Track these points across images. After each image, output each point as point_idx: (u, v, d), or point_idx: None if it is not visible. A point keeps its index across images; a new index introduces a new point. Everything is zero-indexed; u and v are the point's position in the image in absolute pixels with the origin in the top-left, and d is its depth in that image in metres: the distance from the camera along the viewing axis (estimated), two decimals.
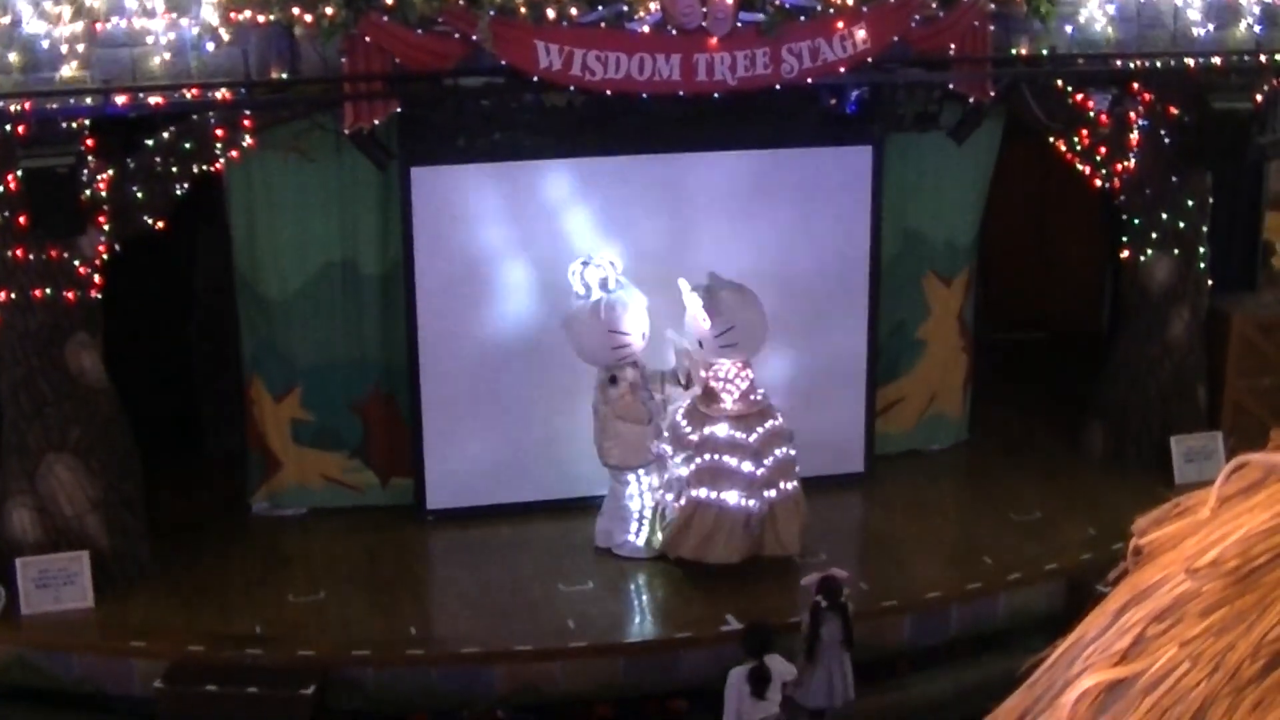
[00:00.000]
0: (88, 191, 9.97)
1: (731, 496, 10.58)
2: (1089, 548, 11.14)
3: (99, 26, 9.68)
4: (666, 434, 10.94)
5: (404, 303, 11.37)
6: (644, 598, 10.95)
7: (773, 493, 10.71)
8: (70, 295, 10.20)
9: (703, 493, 10.60)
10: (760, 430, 10.74)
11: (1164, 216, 12.21)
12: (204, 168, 10.44)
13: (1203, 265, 12.48)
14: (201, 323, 12.84)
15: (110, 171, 10.15)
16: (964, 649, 10.64)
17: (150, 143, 10.27)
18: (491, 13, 9.84)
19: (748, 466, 10.62)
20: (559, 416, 11.54)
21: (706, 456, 10.62)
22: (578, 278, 10.92)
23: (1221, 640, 1.22)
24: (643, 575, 11.06)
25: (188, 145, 10.28)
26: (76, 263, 10.16)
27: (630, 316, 10.89)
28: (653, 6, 10.10)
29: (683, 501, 10.68)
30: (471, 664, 10.00)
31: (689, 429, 10.73)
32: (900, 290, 12.56)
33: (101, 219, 10.14)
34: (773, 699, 8.88)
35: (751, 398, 10.79)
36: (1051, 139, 12.08)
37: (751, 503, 10.61)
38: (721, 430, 10.64)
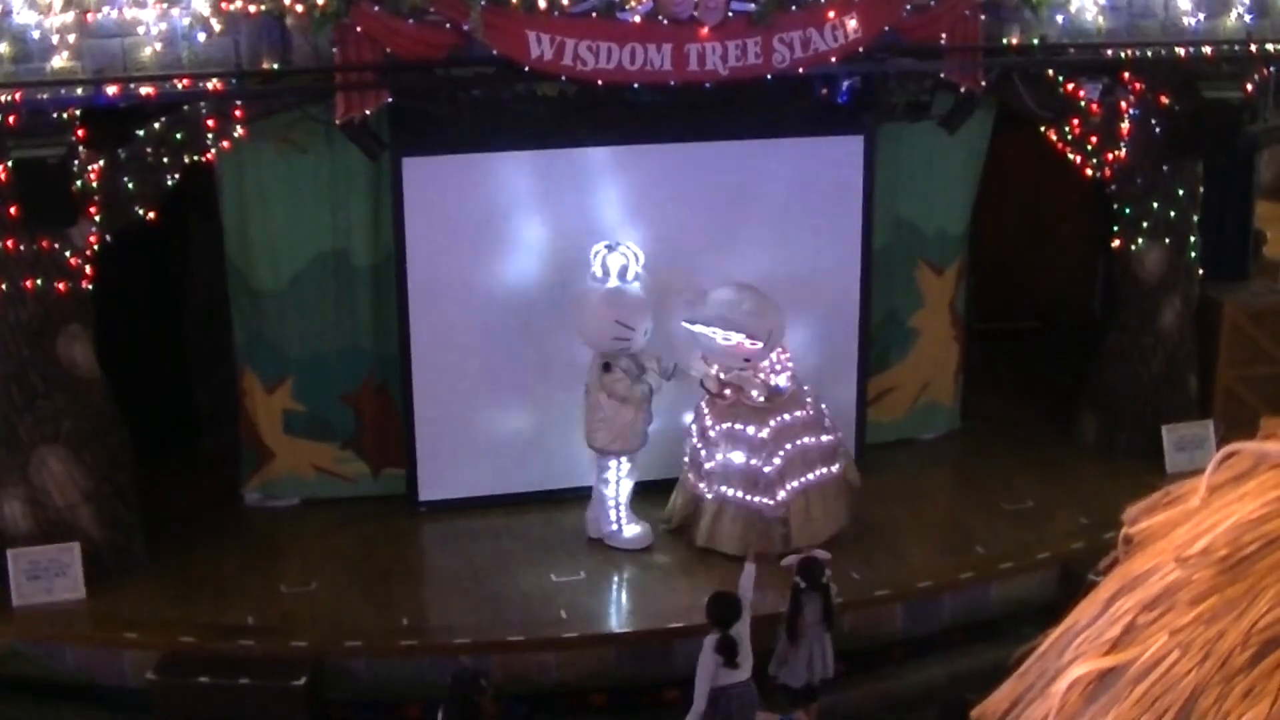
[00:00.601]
0: (79, 182, 9.93)
1: (822, 471, 10.87)
2: (1080, 536, 11.16)
3: (90, 17, 9.64)
4: (719, 440, 10.87)
5: (395, 293, 11.36)
6: (636, 588, 10.95)
7: (842, 451, 11.14)
8: (62, 286, 10.18)
9: (800, 480, 10.78)
10: (809, 400, 11.00)
11: (1155, 205, 12.21)
12: (195, 158, 10.42)
13: (1194, 254, 12.49)
14: (194, 314, 12.83)
15: (101, 162, 10.12)
16: (956, 637, 10.66)
17: (141, 133, 10.24)
18: (483, 2, 9.82)
19: (826, 438, 10.92)
20: (551, 407, 11.53)
21: (788, 446, 10.73)
22: (599, 260, 10.87)
23: (1212, 628, 1.22)
24: (635, 565, 11.06)
25: (179, 136, 10.27)
26: (68, 254, 10.14)
27: (640, 312, 10.85)
28: None
29: (782, 497, 10.73)
30: (464, 654, 9.99)
31: (753, 430, 10.79)
32: (892, 280, 12.56)
33: (93, 210, 10.11)
34: (744, 665, 8.96)
35: (789, 371, 11.02)
36: (1043, 128, 12.08)
37: (836, 467, 10.97)
38: (787, 416, 10.83)
